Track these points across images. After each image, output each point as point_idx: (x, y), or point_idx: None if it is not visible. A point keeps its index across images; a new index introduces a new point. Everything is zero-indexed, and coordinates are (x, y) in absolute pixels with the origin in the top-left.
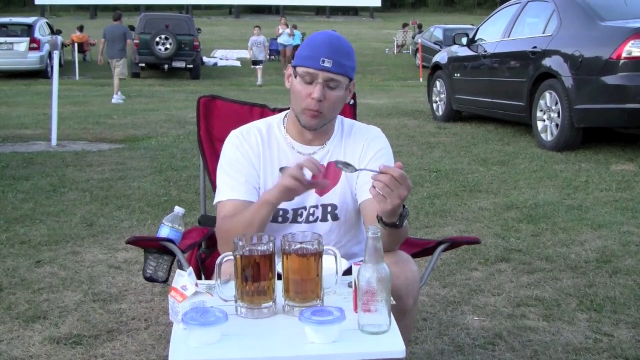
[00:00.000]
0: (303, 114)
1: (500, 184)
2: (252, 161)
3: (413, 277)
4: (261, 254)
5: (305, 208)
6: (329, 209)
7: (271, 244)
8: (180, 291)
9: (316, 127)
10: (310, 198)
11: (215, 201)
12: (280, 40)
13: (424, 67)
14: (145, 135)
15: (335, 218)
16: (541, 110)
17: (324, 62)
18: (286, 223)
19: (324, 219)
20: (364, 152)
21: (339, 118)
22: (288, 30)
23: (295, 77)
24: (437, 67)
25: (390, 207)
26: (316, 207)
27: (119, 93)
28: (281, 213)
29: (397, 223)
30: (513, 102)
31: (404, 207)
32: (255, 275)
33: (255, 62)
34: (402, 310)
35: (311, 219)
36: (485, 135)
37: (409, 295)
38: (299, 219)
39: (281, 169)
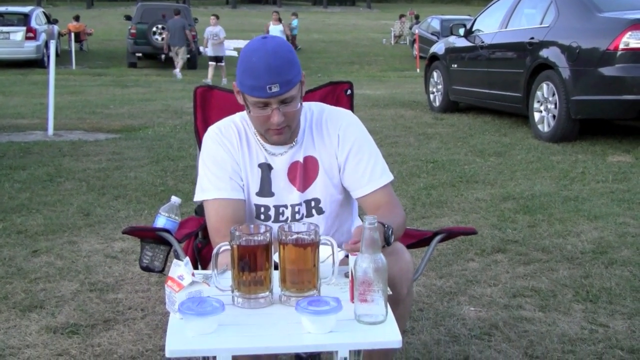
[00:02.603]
0: (268, 134)
1: (496, 174)
2: (234, 156)
3: (406, 266)
4: (258, 243)
5: (286, 206)
6: (313, 203)
7: (268, 234)
8: (176, 281)
9: (285, 141)
10: (292, 196)
11: (198, 198)
12: None
13: (420, 57)
14: (141, 124)
15: (320, 211)
16: (538, 101)
17: (270, 88)
18: (268, 222)
19: (309, 214)
20: (341, 144)
21: (305, 105)
22: (280, 27)
23: (246, 103)
24: (434, 57)
25: None
26: (299, 204)
27: (179, 71)
28: (262, 210)
29: (385, 245)
30: (510, 93)
31: (384, 226)
32: (251, 265)
33: (217, 59)
34: (395, 300)
35: (297, 216)
36: (482, 126)
37: (403, 285)
38: (281, 217)
39: (260, 165)
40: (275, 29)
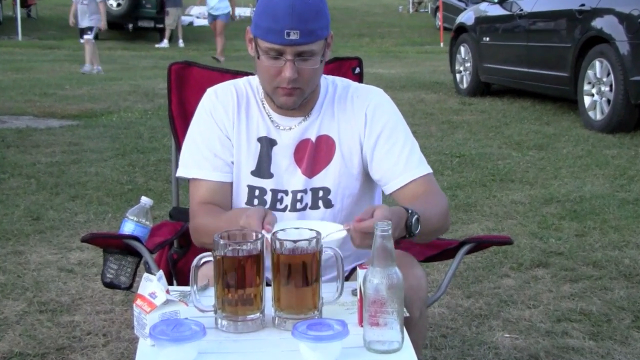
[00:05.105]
0: (276, 93)
1: (537, 172)
2: (226, 127)
3: (417, 283)
4: (247, 254)
5: (286, 192)
6: (320, 193)
7: (259, 243)
8: (147, 299)
9: (294, 106)
10: (295, 180)
11: (179, 173)
12: (209, 8)
13: (445, 29)
14: (104, 109)
15: (328, 205)
16: (589, 83)
17: (288, 34)
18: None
19: (315, 206)
20: (368, 126)
21: (329, 78)
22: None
23: (257, 49)
24: (462, 29)
25: None
26: (304, 191)
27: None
28: (257, 193)
29: (407, 236)
30: (554, 72)
31: (407, 211)
32: (239, 280)
33: (82, 31)
34: (406, 325)
35: (298, 205)
36: (519, 113)
37: (414, 306)
38: (279, 205)
39: (259, 139)
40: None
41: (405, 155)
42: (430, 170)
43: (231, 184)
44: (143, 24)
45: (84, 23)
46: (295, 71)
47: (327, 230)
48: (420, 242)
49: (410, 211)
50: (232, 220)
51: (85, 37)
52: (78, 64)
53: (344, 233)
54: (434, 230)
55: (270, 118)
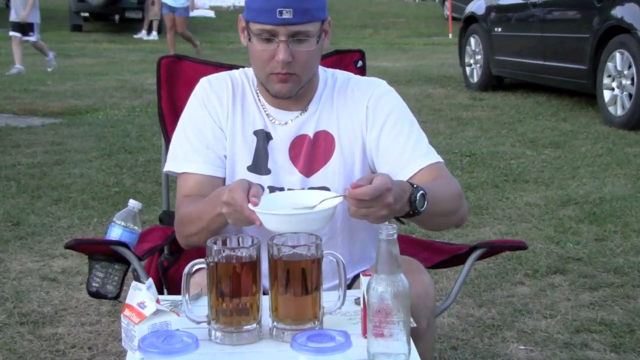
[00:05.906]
0: (270, 81)
1: (553, 172)
2: (220, 119)
3: (424, 291)
4: (242, 260)
5: (283, 189)
6: None
7: (254, 249)
8: (136, 309)
9: (290, 94)
10: (292, 178)
11: (167, 167)
12: None
13: (454, 19)
14: (89, 106)
15: None
16: (609, 76)
17: (281, 13)
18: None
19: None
20: (371, 118)
21: (328, 71)
22: None
23: (249, 34)
24: (472, 19)
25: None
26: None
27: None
28: None
29: (411, 212)
30: (571, 64)
31: (412, 185)
32: (234, 289)
33: (22, 28)
34: (413, 335)
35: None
36: (533, 109)
37: (421, 316)
38: None
39: (256, 132)
40: None
41: (411, 144)
42: (441, 159)
43: (223, 179)
44: (130, 14)
45: (27, 19)
46: (289, 54)
47: (322, 197)
48: (430, 227)
49: (415, 186)
50: (214, 199)
51: (31, 39)
52: (61, 57)
53: (339, 199)
54: (445, 212)
55: (265, 111)
